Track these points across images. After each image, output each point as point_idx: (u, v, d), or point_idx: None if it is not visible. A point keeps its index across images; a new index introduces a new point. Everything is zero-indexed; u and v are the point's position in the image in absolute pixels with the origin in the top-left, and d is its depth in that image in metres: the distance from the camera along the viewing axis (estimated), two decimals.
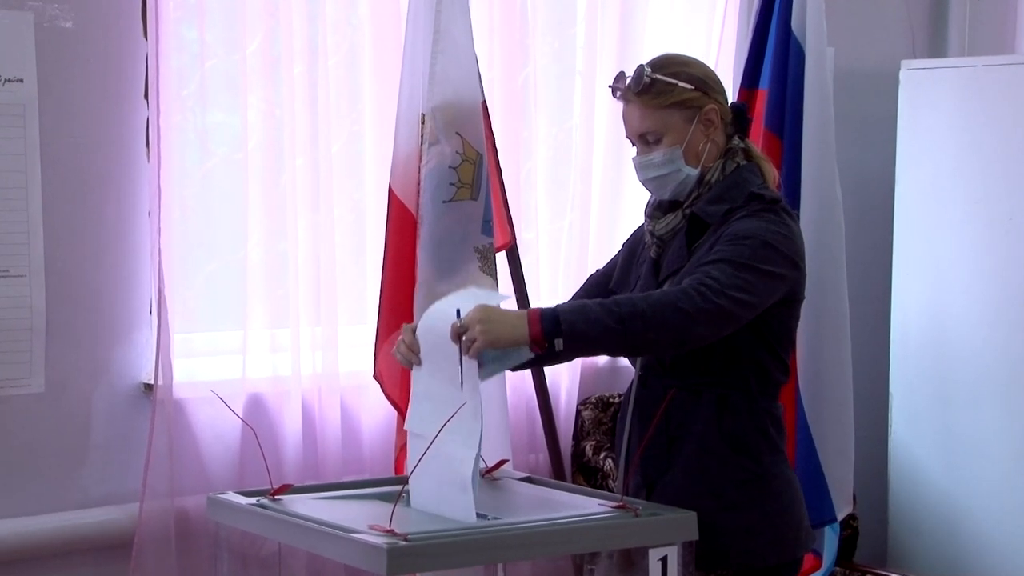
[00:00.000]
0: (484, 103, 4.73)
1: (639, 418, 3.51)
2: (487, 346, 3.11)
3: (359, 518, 3.09)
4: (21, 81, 4.39)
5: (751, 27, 5.30)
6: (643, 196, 4.84)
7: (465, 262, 4.63)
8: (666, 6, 5.71)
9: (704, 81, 3.46)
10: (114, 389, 4.66)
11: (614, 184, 5.54)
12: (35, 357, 4.45)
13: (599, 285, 3.75)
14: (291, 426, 4.86)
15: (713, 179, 3.41)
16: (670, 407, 3.27)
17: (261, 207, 4.82)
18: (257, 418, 4.69)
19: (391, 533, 2.85)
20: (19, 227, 4.43)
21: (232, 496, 3.42)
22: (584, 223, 5.48)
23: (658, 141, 3.38)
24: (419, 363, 3.36)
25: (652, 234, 3.52)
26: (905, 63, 5.92)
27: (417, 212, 4.58)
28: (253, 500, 3.32)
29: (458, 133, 4.55)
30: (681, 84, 3.39)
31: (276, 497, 3.31)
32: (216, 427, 4.72)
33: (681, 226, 3.43)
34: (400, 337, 3.45)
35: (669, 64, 3.48)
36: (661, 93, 3.38)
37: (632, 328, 3.13)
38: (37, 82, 4.42)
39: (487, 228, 4.67)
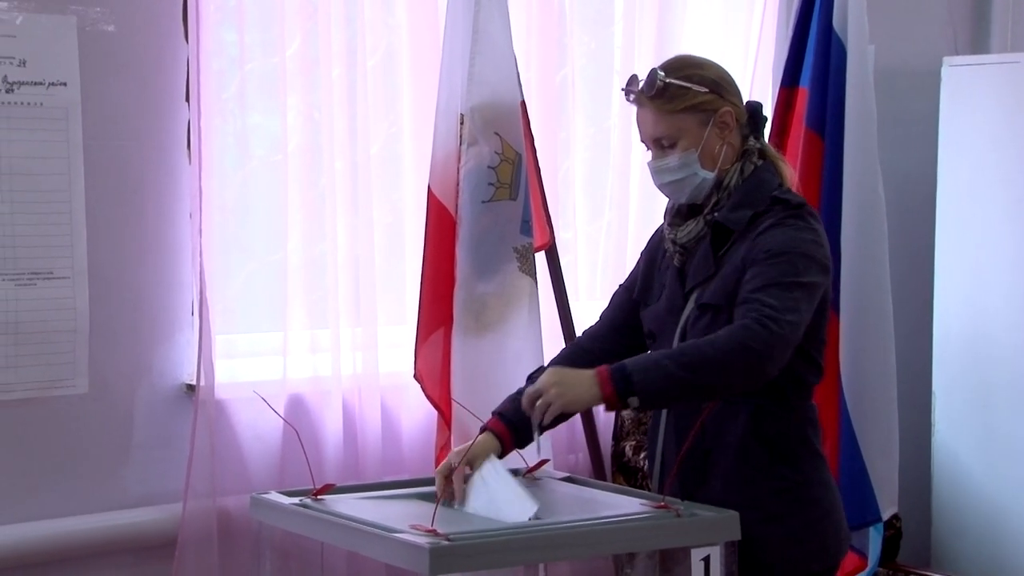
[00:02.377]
0: (523, 103, 4.75)
1: (675, 428, 3.48)
2: (562, 410, 3.13)
3: (401, 518, 3.12)
4: (64, 85, 4.42)
5: (792, 25, 5.26)
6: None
7: (504, 262, 4.67)
8: (704, 4, 5.72)
9: (718, 83, 3.42)
10: (156, 390, 4.70)
11: (651, 185, 5.37)
12: (79, 358, 4.48)
13: (625, 302, 3.70)
14: (332, 426, 4.89)
15: (732, 183, 3.37)
16: (706, 418, 3.23)
17: (300, 208, 4.85)
18: (298, 418, 4.71)
19: (433, 533, 2.88)
20: (62, 230, 4.47)
21: (275, 496, 3.45)
22: (623, 223, 5.49)
23: (673, 145, 3.35)
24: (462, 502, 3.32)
25: (674, 242, 3.46)
26: (947, 60, 5.90)
27: (456, 212, 4.61)
28: (296, 500, 3.35)
29: (496, 133, 4.60)
30: (695, 87, 3.36)
31: (318, 497, 3.34)
32: (257, 427, 4.76)
33: (704, 233, 3.38)
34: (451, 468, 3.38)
35: (682, 67, 3.44)
36: (675, 97, 3.34)
37: (705, 378, 3.13)
38: (80, 85, 4.45)
39: (526, 228, 4.70)
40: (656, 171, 3.43)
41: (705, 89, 3.34)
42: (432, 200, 4.63)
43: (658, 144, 3.38)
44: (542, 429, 3.31)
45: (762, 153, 3.48)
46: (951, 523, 5.77)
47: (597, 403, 3.14)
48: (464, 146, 4.58)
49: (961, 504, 5.75)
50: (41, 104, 4.42)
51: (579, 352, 3.69)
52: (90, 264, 4.52)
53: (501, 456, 3.48)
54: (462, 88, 4.62)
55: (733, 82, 3.51)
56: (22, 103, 4.37)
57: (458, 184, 4.59)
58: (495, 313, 4.68)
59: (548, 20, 5.28)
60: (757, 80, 5.57)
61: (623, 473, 5.24)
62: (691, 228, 3.38)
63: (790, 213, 3.31)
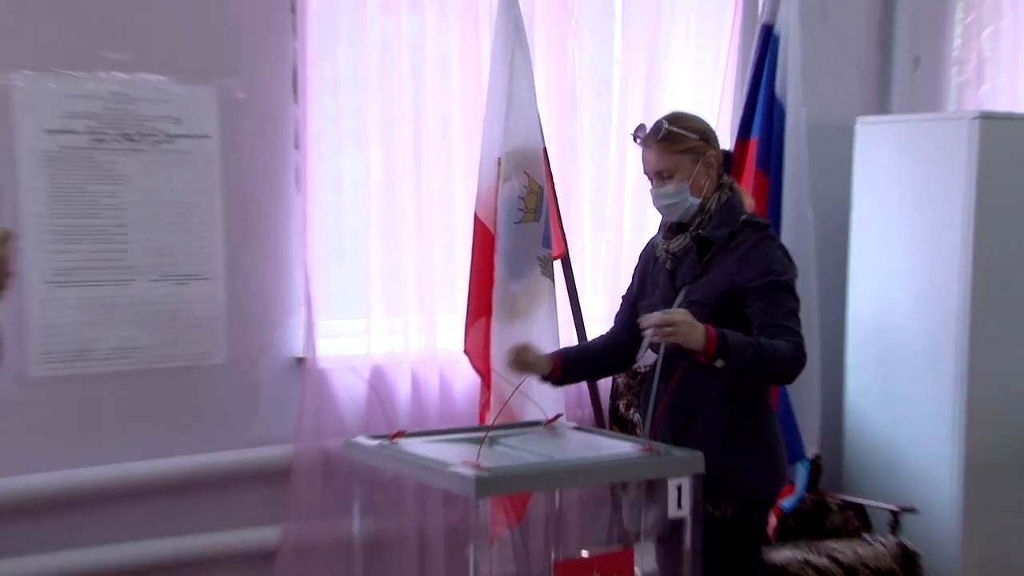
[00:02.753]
0: (544, 149, 4.73)
1: (664, 387, 3.52)
2: (678, 342, 3.22)
3: (454, 456, 3.19)
4: (208, 137, 4.48)
5: (745, 92, 5.28)
6: (653, 226, 4.88)
7: (530, 267, 4.67)
8: (680, 76, 5.58)
9: (706, 134, 3.54)
10: (275, 361, 4.75)
11: (640, 210, 5.38)
12: (219, 338, 4.58)
13: (631, 305, 3.78)
14: (402, 388, 4.89)
15: (712, 207, 3.47)
16: (691, 383, 3.40)
17: (379, 229, 4.85)
18: (378, 382, 4.82)
19: (478, 467, 2.96)
20: (207, 243, 4.54)
21: (362, 439, 3.50)
22: (618, 239, 5.40)
23: (671, 177, 3.45)
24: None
25: (667, 251, 3.55)
26: (859, 119, 5.80)
27: (495, 231, 4.61)
28: (377, 442, 3.42)
29: (525, 171, 4.60)
30: (689, 135, 3.48)
31: (393, 440, 3.41)
32: (349, 389, 4.79)
33: (691, 246, 3.48)
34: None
35: (680, 119, 3.55)
36: (675, 141, 3.45)
37: (764, 368, 3.30)
38: (219, 137, 4.51)
39: (546, 242, 4.68)
40: (657, 196, 3.51)
41: (696, 137, 3.48)
42: (477, 222, 4.66)
43: (659, 176, 3.47)
44: (651, 347, 3.45)
45: (731, 187, 3.59)
46: (858, 459, 5.71)
47: (699, 350, 3.20)
48: (501, 181, 4.59)
49: (865, 445, 5.70)
50: (191, 152, 4.48)
51: (606, 343, 3.88)
52: (227, 269, 4.60)
53: (544, 378, 3.76)
54: (499, 138, 4.61)
55: (715, 134, 3.63)
56: (178, 151, 4.45)
57: (496, 210, 4.60)
58: (523, 306, 4.67)
59: (563, 88, 5.22)
60: (720, 131, 5.38)
61: (618, 424, 5.17)
62: (680, 241, 3.49)
63: (762, 235, 3.47)
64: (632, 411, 5.18)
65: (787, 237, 4.83)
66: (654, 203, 3.59)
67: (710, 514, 3.34)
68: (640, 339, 3.45)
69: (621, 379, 5.26)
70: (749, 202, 3.68)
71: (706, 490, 3.28)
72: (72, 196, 4.30)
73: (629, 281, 5.12)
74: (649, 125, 3.59)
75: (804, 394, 5.00)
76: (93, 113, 4.30)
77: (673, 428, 3.50)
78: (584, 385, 5.05)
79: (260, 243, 4.72)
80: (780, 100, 5.08)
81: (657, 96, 5.45)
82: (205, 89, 4.51)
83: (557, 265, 4.86)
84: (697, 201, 3.47)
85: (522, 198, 4.59)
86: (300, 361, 4.75)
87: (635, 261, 4.88)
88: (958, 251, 5.32)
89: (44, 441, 4.36)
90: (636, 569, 3.27)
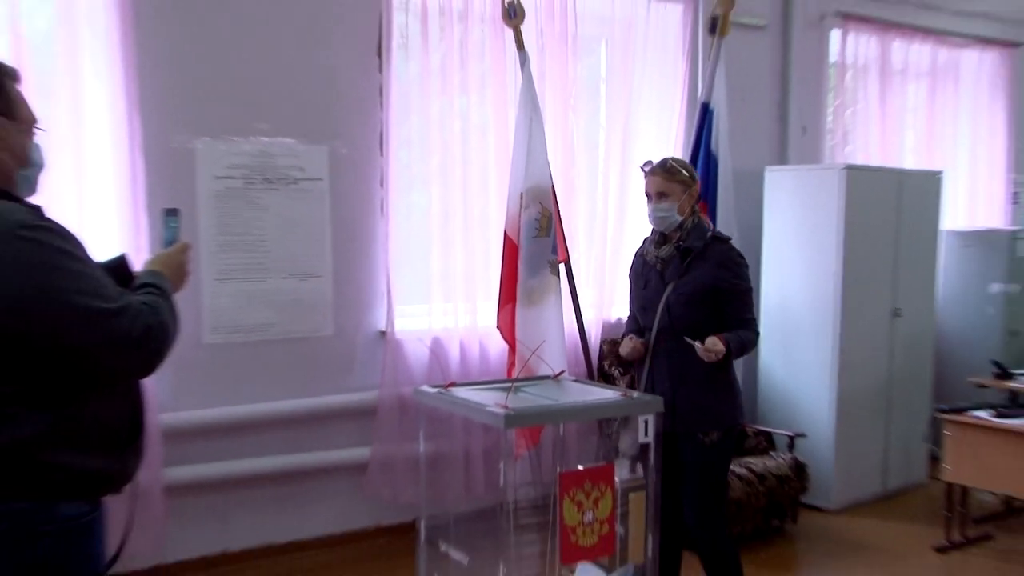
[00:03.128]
0: (552, 186, 4.76)
1: (662, 356, 3.57)
2: (713, 359, 3.33)
3: (489, 400, 3.15)
4: (321, 179, 4.64)
5: (691, 148, 5.21)
6: (633, 238, 4.83)
7: (543, 268, 4.68)
8: (645, 137, 5.58)
9: (692, 175, 3.61)
10: (366, 334, 4.86)
11: (619, 230, 5.45)
12: (328, 318, 4.71)
13: (637, 316, 3.74)
14: (453, 353, 4.99)
15: (688, 225, 3.54)
16: (683, 352, 3.43)
17: (437, 242, 4.95)
18: (436, 348, 4.93)
19: (505, 407, 2.95)
20: (320, 252, 4.67)
21: (425, 388, 3.40)
22: (603, 250, 5.41)
23: (666, 198, 3.50)
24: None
25: (657, 257, 3.58)
26: (767, 168, 5.88)
27: (518, 243, 4.65)
28: (435, 390, 3.34)
29: (539, 201, 4.65)
30: (683, 172, 3.56)
31: (447, 389, 3.35)
32: (417, 353, 4.89)
33: (674, 253, 3.53)
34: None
35: (679, 161, 3.63)
36: (673, 173, 3.53)
37: (740, 354, 3.50)
38: (329, 180, 4.65)
39: (554, 251, 4.70)
40: (654, 211, 3.53)
41: (687, 174, 3.57)
42: (506, 237, 4.72)
43: (658, 196, 3.51)
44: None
45: (698, 213, 3.65)
46: (766, 401, 5.84)
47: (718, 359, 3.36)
48: (523, 209, 4.63)
49: (772, 390, 5.83)
50: (310, 190, 4.62)
51: (635, 324, 3.76)
52: (333, 270, 4.71)
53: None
54: (521, 179, 4.66)
55: (697, 177, 3.70)
56: (301, 190, 4.60)
57: (519, 229, 4.64)
58: (538, 296, 4.67)
59: (565, 144, 5.22)
60: None
61: (603, 378, 5.19)
62: (667, 250, 3.55)
63: (728, 246, 3.57)
64: (614, 369, 5.22)
65: None
66: (650, 216, 3.57)
67: (701, 440, 3.49)
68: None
69: (606, 346, 5.30)
70: (708, 222, 3.72)
71: (697, 423, 3.48)
72: (231, 220, 4.45)
73: (610, 279, 5.18)
74: (640, 163, 3.68)
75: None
76: (246, 165, 4.47)
77: (672, 383, 3.53)
78: (580, 348, 5.05)
79: (356, 252, 4.80)
80: (714, 154, 5.10)
81: (630, 151, 5.50)
82: (320, 147, 4.65)
83: (561, 267, 4.84)
84: (680, 219, 3.53)
85: (537, 220, 4.64)
86: (383, 334, 4.85)
87: (616, 265, 5.01)
88: (833, 257, 5.53)
89: (212, 387, 4.47)
90: (616, 478, 3.09)
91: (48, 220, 1.93)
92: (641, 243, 3.80)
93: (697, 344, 3.37)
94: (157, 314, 1.97)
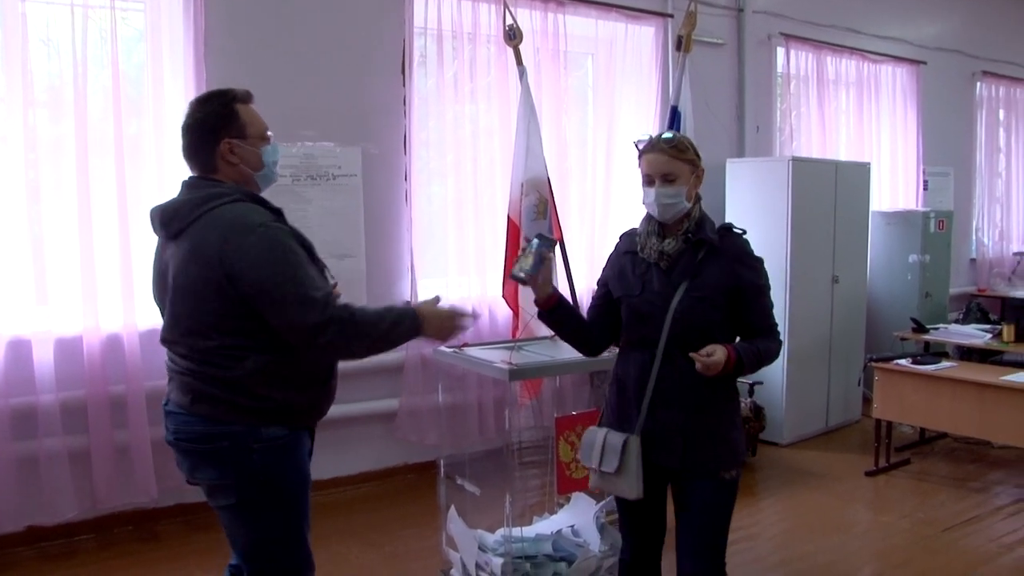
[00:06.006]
0: (548, 178, 4.66)
1: (671, 376, 2.43)
2: (714, 372, 2.31)
3: (496, 357, 3.19)
4: (355, 175, 4.56)
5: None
6: (617, 220, 4.97)
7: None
8: (625, 135, 5.42)
9: (698, 154, 2.51)
10: (394, 303, 4.34)
11: (604, 215, 5.38)
12: (362, 291, 4.60)
13: (604, 301, 2.61)
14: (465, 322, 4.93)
15: (696, 215, 2.46)
16: (692, 372, 2.35)
17: (452, 225, 4.88)
18: None
19: (510, 363, 2.98)
20: (355, 236, 4.59)
21: (444, 348, 3.38)
22: (592, 231, 5.34)
23: (674, 181, 2.40)
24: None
25: (663, 252, 2.45)
26: (729, 160, 5.82)
27: (520, 224, 4.54)
28: (452, 350, 3.35)
29: (537, 190, 4.56)
30: (692, 149, 2.46)
31: (462, 348, 3.35)
32: None
33: (684, 247, 2.43)
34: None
35: (686, 138, 2.50)
36: (683, 150, 2.42)
37: (761, 365, 2.44)
38: (362, 176, 4.58)
39: (549, 231, 4.56)
40: (658, 196, 2.41)
41: (694, 153, 2.46)
42: (510, 221, 4.61)
43: (665, 179, 2.40)
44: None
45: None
46: None
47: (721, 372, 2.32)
48: (523, 197, 4.54)
49: None
50: (347, 185, 4.55)
51: (585, 324, 2.63)
52: (366, 250, 4.63)
53: (539, 302, 2.57)
54: (522, 172, 4.57)
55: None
56: (339, 184, 4.53)
57: (521, 214, 4.54)
58: None
59: (560, 143, 5.16)
60: None
61: None
62: (674, 244, 2.45)
63: (743, 240, 2.50)
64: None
65: None
66: (652, 203, 2.44)
67: (721, 478, 2.43)
68: (604, 332, 2.62)
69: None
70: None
71: (718, 458, 2.43)
72: (298, 213, 4.26)
73: (598, 255, 4.93)
74: (635, 141, 2.53)
75: None
76: (293, 165, 4.38)
77: (686, 409, 2.43)
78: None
79: (384, 235, 4.73)
80: None
81: (613, 147, 5.44)
82: (354, 149, 4.58)
83: (556, 246, 4.71)
84: (688, 206, 2.45)
85: (535, 206, 4.57)
86: (408, 303, 4.54)
87: (603, 243, 4.82)
88: (783, 233, 5.47)
89: None
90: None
91: (281, 221, 2.17)
92: (622, 238, 2.66)
93: (698, 355, 2.35)
94: (353, 319, 2.12)
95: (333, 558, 3.72)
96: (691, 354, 2.35)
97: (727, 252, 2.47)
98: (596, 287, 2.70)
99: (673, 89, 5.20)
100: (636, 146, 2.50)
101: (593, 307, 2.68)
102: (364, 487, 4.75)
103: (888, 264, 6.67)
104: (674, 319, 2.42)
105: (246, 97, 2.27)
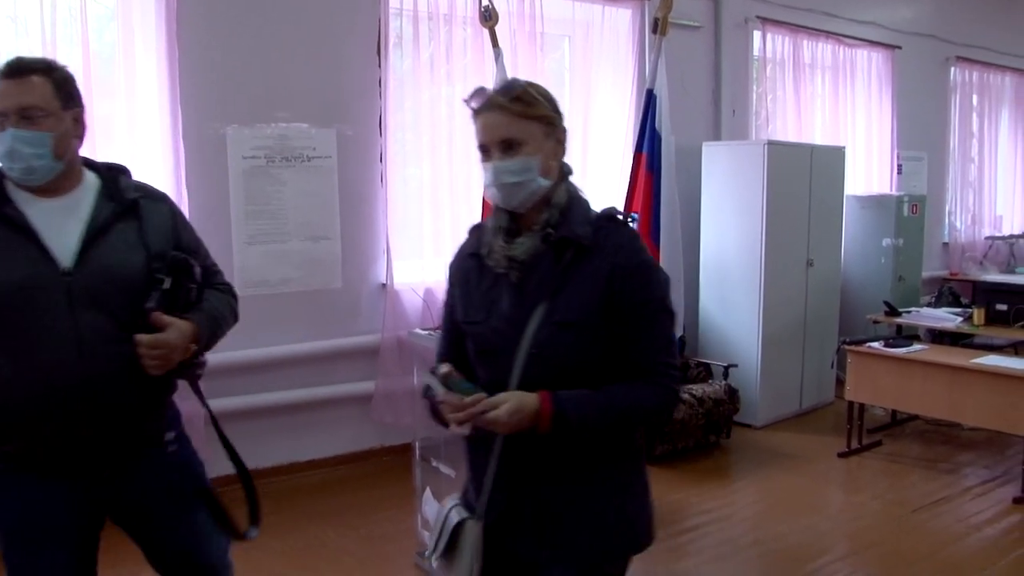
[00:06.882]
0: None
1: (522, 436, 1.64)
2: (506, 432, 1.62)
3: None
4: (330, 157, 4.53)
5: (638, 125, 5.04)
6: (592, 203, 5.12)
7: None
8: (602, 114, 5.51)
9: (558, 107, 1.75)
10: (370, 286, 4.77)
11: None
12: (337, 273, 4.61)
13: (454, 330, 1.86)
14: (441, 301, 4.91)
15: (562, 200, 1.71)
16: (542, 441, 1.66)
17: (428, 208, 4.83)
18: (428, 298, 4.78)
19: None
20: (330, 218, 4.56)
21: (419, 331, 3.52)
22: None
23: (517, 148, 1.66)
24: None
25: (511, 258, 1.70)
26: (705, 143, 5.81)
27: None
28: (427, 332, 3.42)
29: None
30: (544, 101, 1.70)
31: (436, 331, 3.05)
32: (412, 302, 4.80)
33: (543, 249, 1.69)
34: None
35: (534, 85, 1.72)
36: (529, 104, 1.67)
37: (618, 428, 1.69)
38: (337, 158, 4.55)
39: None
40: (497, 172, 1.67)
41: (550, 106, 1.71)
42: (484, 203, 4.41)
43: (505, 145, 1.66)
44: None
45: (570, 175, 1.78)
46: (705, 337, 5.77)
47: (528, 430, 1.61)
48: None
49: (710, 328, 5.77)
50: (321, 167, 4.53)
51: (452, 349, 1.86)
52: (342, 232, 4.61)
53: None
54: None
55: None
56: (314, 166, 4.51)
57: None
58: None
59: None
60: (626, 146, 5.41)
61: None
62: (528, 244, 1.70)
63: (631, 232, 1.73)
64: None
65: (664, 213, 4.82)
66: (492, 181, 1.69)
67: (605, 573, 1.76)
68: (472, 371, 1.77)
69: None
70: (586, 196, 1.79)
71: (592, 545, 1.72)
72: (256, 193, 4.37)
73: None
74: (465, 98, 1.75)
75: (676, 300, 4.93)
76: (268, 147, 4.38)
77: (545, 475, 1.70)
78: None
79: (360, 217, 4.71)
80: (658, 131, 4.94)
81: (590, 130, 5.44)
82: (329, 130, 4.56)
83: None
84: (546, 184, 1.69)
85: None
86: (383, 286, 4.78)
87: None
88: (758, 217, 5.48)
89: (243, 333, 3.74)
90: None
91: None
92: (470, 233, 1.92)
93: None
94: (231, 294, 2.19)
95: (309, 540, 3.71)
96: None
97: (605, 252, 1.69)
98: (443, 309, 1.93)
99: (649, 72, 5.20)
100: (468, 104, 1.74)
101: (443, 341, 1.92)
102: (340, 469, 4.74)
103: (862, 248, 6.73)
104: (530, 357, 1.66)
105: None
